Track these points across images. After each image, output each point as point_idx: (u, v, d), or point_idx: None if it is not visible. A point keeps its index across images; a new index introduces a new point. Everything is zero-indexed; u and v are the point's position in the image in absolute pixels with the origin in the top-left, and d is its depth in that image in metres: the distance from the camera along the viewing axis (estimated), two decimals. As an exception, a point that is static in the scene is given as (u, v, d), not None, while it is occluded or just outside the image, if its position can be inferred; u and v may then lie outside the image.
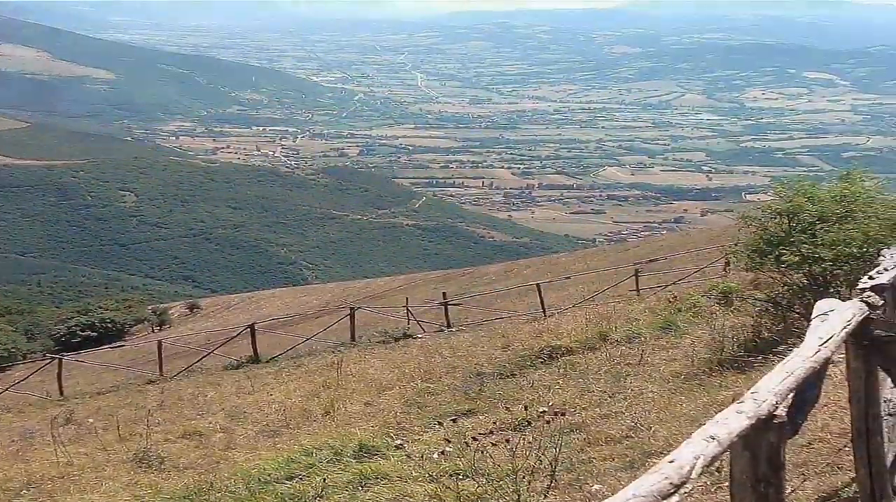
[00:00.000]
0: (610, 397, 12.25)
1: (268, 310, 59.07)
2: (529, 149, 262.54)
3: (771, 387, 3.69)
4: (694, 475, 2.95)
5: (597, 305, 25.81)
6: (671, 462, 2.95)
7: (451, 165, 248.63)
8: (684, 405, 10.46)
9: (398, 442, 9.79)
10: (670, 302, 20.23)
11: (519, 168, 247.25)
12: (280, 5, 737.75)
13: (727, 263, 17.92)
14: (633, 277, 32.47)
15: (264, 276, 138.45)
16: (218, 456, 13.27)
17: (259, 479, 10.08)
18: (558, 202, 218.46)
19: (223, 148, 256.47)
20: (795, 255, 14.32)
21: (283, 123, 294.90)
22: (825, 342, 4.30)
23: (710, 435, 3.17)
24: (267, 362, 27.96)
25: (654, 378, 13.06)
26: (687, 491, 2.93)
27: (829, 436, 7.99)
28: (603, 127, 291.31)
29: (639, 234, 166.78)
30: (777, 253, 14.68)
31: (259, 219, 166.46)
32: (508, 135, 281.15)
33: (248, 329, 30.44)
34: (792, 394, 4.40)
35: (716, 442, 3.16)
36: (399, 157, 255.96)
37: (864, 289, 5.27)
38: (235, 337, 32.86)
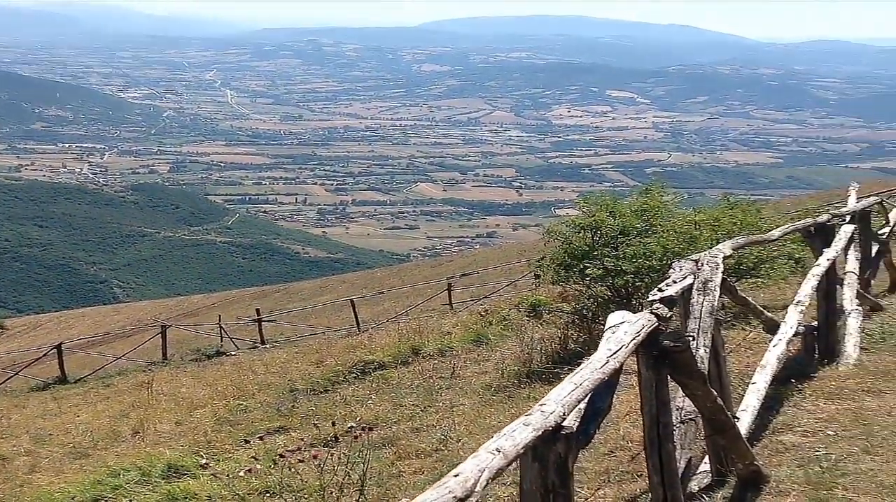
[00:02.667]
0: (422, 411, 12.34)
1: (78, 329, 57.34)
2: (342, 166, 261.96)
3: (559, 399, 3.80)
4: (478, 488, 2.99)
5: (410, 320, 25.94)
6: (456, 475, 2.99)
7: (263, 182, 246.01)
8: (494, 417, 10.63)
9: (203, 461, 9.64)
10: (482, 315, 20.46)
11: (332, 184, 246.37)
12: (83, 21, 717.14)
13: (537, 276, 18.33)
14: (447, 291, 32.79)
15: (74, 296, 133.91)
16: (21, 481, 12.88)
17: (63, 503, 9.83)
18: (372, 218, 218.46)
19: (28, 165, 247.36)
20: (599, 269, 14.72)
21: (90, 140, 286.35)
22: (614, 353, 4.46)
23: (496, 447, 3.23)
24: (75, 383, 27.16)
25: (465, 391, 13.21)
26: (472, 503, 2.97)
27: (629, 444, 8.25)
28: (414, 143, 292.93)
29: (452, 249, 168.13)
30: (581, 266, 15.04)
31: (67, 237, 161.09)
32: (321, 151, 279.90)
33: (55, 349, 29.47)
34: (584, 405, 4.56)
35: (501, 455, 3.20)
36: (211, 174, 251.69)
37: (653, 302, 5.50)
38: (42, 357, 31.76)
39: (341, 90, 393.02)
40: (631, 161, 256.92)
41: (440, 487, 2.90)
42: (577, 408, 4.52)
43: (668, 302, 5.57)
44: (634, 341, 4.79)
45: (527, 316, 19.08)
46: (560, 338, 14.63)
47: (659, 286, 5.95)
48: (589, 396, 4.57)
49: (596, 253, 14.96)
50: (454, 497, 2.88)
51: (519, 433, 3.41)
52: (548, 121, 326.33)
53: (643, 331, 4.98)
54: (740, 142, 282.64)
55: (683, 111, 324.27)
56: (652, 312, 5.25)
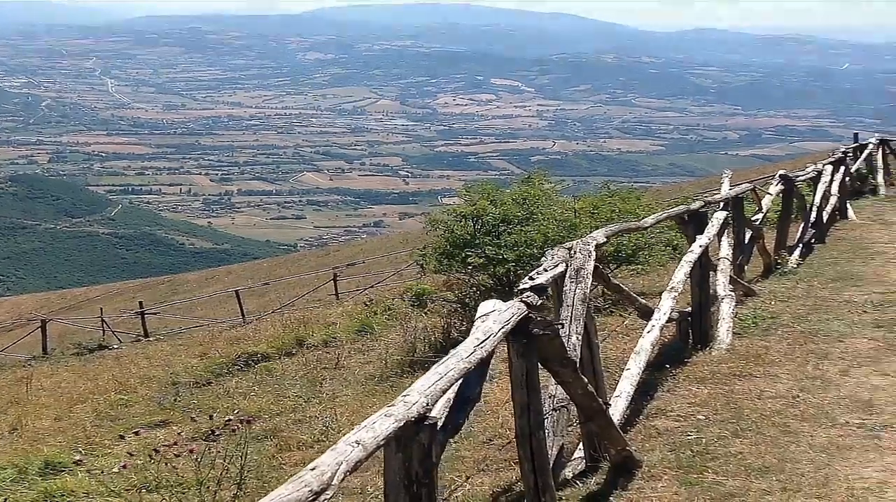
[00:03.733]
0: (305, 402, 12.32)
1: (-47, 325, 55.73)
2: (227, 156, 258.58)
3: (423, 389, 3.81)
4: (335, 481, 2.98)
5: (296, 310, 25.86)
6: (313, 469, 2.98)
7: (147, 172, 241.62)
8: (376, 407, 10.53)
9: (78, 457, 9.48)
10: (367, 305, 20.48)
11: (217, 174, 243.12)
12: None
13: (421, 266, 18.40)
14: (333, 281, 32.68)
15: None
16: None
17: (-66, 505, 9.56)
18: (258, 208, 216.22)
19: None
20: (480, 257, 14.82)
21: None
22: (481, 343, 4.49)
23: (355, 440, 3.22)
24: (-52, 381, 26.43)
25: (348, 381, 13.23)
26: (328, 497, 2.95)
27: (508, 432, 8.31)
28: (300, 133, 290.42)
29: (339, 239, 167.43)
30: (463, 255, 15.12)
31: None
32: (205, 141, 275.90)
33: (-74, 348, 28.66)
34: (452, 394, 4.59)
35: (361, 447, 3.20)
36: (92, 165, 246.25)
37: (523, 290, 5.55)
38: (-89, 356, 30.84)
39: (225, 79, 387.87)
40: (516, 149, 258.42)
41: (296, 481, 2.89)
42: (445, 398, 4.54)
43: (538, 290, 5.62)
44: (503, 330, 4.83)
45: (411, 305, 19.16)
46: (443, 326, 14.71)
47: (530, 274, 6.01)
48: (458, 385, 4.60)
49: (477, 241, 15.06)
50: (310, 490, 2.86)
51: (380, 424, 3.40)
52: (433, 109, 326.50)
53: (512, 319, 5.02)
54: (623, 130, 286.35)
55: (567, 99, 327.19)
56: (522, 301, 5.30)
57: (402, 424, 3.51)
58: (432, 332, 14.46)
